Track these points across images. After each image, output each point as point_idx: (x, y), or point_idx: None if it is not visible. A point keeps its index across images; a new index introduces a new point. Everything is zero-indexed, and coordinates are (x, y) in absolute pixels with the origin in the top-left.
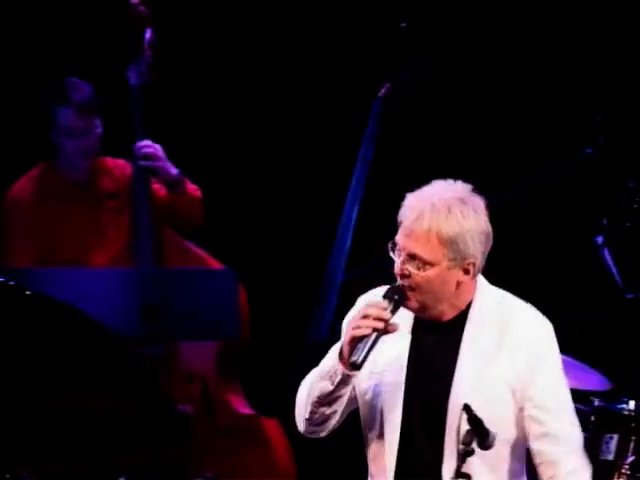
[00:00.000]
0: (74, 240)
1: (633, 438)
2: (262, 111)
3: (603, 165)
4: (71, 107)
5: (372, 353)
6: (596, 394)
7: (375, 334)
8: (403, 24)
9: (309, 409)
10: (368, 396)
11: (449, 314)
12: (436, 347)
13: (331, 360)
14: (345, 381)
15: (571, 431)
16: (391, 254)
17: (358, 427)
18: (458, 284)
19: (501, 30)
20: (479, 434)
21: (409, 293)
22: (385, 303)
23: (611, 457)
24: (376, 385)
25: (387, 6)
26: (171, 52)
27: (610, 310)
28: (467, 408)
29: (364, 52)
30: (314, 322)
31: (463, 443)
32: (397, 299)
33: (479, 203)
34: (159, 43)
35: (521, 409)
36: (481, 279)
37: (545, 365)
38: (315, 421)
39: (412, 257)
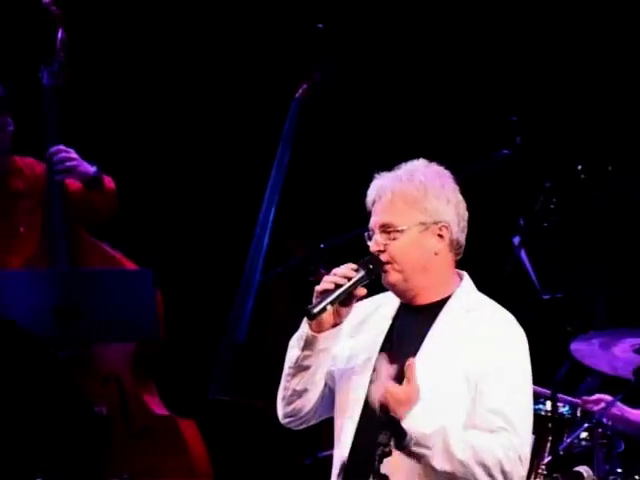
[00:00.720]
0: None
1: (549, 438)
2: (180, 111)
3: (520, 166)
4: None
5: (332, 310)
6: None
7: (338, 291)
8: (319, 25)
9: (282, 385)
10: (342, 378)
11: (428, 296)
12: (409, 330)
13: (301, 326)
14: (310, 344)
15: (514, 438)
16: (368, 243)
17: (274, 429)
18: (436, 254)
19: (418, 30)
20: (396, 435)
21: (387, 267)
22: (355, 266)
23: None
24: (350, 368)
25: (304, 8)
26: (84, 52)
27: (527, 311)
28: (382, 409)
29: (280, 54)
30: (232, 322)
31: (380, 444)
32: (371, 268)
33: (443, 170)
34: (71, 43)
35: (473, 403)
36: (468, 279)
37: (506, 369)
38: (288, 400)
39: (383, 229)
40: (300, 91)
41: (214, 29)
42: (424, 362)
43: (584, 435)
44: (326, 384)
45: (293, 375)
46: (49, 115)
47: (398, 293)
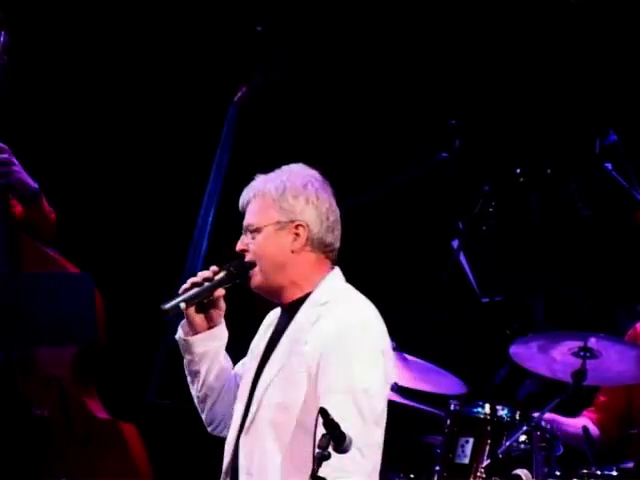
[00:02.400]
0: None
1: (488, 442)
2: (119, 115)
3: (458, 169)
4: None
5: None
6: (452, 397)
7: (192, 291)
8: (258, 28)
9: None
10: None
11: (291, 293)
12: (278, 328)
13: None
14: (186, 348)
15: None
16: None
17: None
18: (293, 252)
19: (356, 31)
20: (335, 438)
21: (253, 272)
22: (217, 269)
23: (466, 461)
24: (244, 375)
25: (243, 10)
26: (24, 55)
27: (466, 314)
28: (323, 412)
29: (219, 56)
30: (170, 325)
31: (319, 447)
32: (231, 270)
33: (316, 174)
34: (14, 46)
35: (316, 396)
36: (334, 274)
37: (339, 358)
38: (200, 408)
39: (247, 229)
40: (239, 94)
41: (154, 30)
42: (279, 357)
43: (523, 438)
44: (232, 390)
45: (191, 382)
46: None
47: (264, 294)
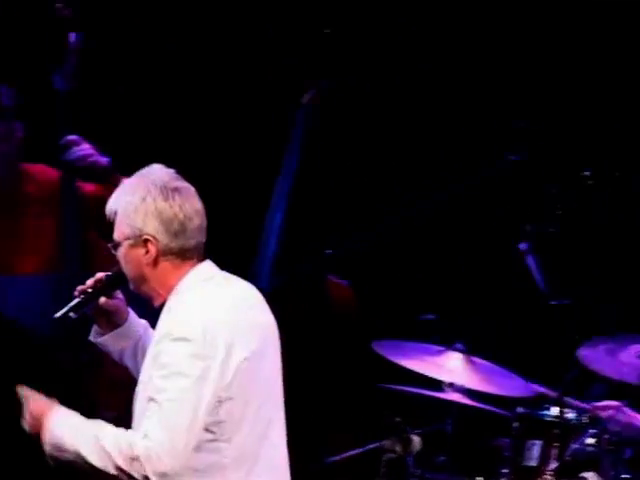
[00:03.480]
0: None
1: (556, 444)
2: (186, 118)
3: (526, 171)
4: None
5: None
6: (519, 401)
7: (78, 299)
8: (326, 30)
9: None
10: None
11: (157, 302)
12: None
13: None
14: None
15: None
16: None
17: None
18: (147, 265)
19: (425, 33)
20: (402, 441)
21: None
22: (104, 276)
23: (534, 463)
24: None
25: (310, 12)
26: (97, 56)
27: (534, 317)
28: (390, 417)
29: (288, 59)
30: None
31: (387, 450)
32: (111, 277)
33: (148, 180)
34: (85, 47)
35: None
36: (192, 272)
37: (158, 362)
38: None
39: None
40: (308, 96)
41: (224, 36)
42: (147, 363)
43: (591, 441)
44: None
45: None
46: (62, 119)
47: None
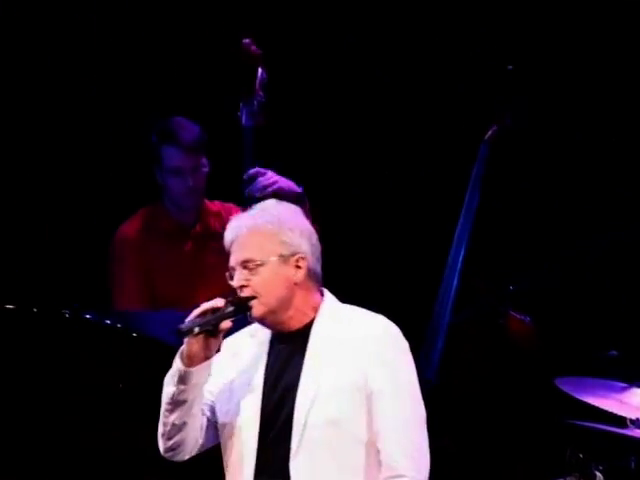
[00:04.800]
0: (180, 279)
1: None
2: (369, 156)
3: None
4: (178, 146)
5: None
6: None
7: (206, 318)
8: (509, 67)
9: (161, 422)
10: (228, 410)
11: (297, 322)
12: (288, 357)
13: (174, 363)
14: (183, 379)
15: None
16: (230, 283)
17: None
18: (296, 284)
19: (607, 73)
20: (585, 477)
21: (253, 303)
22: (224, 301)
23: None
24: (235, 399)
25: (494, 49)
26: (283, 92)
27: None
28: (573, 453)
29: (470, 95)
30: (421, 365)
31: None
32: (236, 303)
33: (293, 206)
34: (271, 83)
35: (369, 407)
36: (329, 295)
37: (384, 361)
38: (168, 435)
39: (244, 265)
40: (490, 133)
41: (407, 72)
42: (313, 378)
43: None
44: (204, 415)
45: (171, 411)
46: (247, 155)
47: (267, 325)
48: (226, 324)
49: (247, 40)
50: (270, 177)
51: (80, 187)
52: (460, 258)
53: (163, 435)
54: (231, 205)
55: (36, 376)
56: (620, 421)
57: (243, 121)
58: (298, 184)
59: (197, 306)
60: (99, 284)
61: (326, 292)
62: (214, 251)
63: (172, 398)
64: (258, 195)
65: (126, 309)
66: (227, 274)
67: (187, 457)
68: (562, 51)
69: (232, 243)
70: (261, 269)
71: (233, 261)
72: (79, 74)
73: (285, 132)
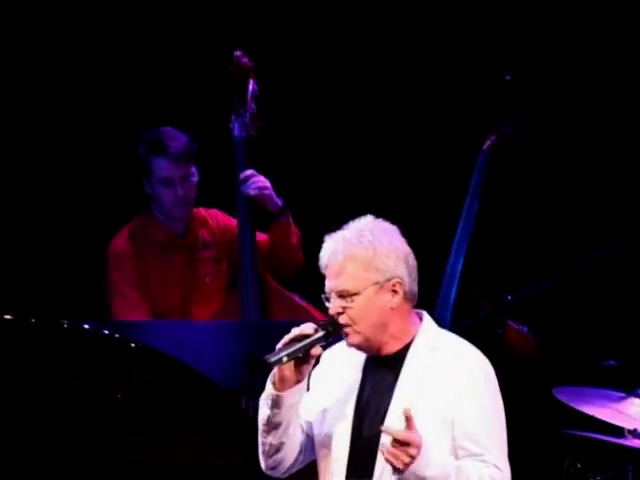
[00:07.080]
0: (173, 290)
1: None
2: (368, 164)
3: None
4: (167, 156)
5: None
6: None
7: (295, 346)
8: (507, 77)
9: (260, 441)
10: (322, 430)
11: (392, 347)
12: (380, 381)
13: (266, 385)
14: (277, 403)
15: (499, 463)
16: (326, 304)
17: None
18: (392, 309)
19: (610, 82)
20: None
21: (348, 330)
22: (315, 326)
23: None
24: (329, 419)
25: (492, 59)
26: (275, 103)
27: None
28: (571, 463)
29: (468, 105)
30: None
31: None
32: (330, 330)
33: (390, 226)
34: (263, 95)
35: (453, 438)
36: (428, 318)
37: (475, 396)
38: (268, 454)
39: (340, 294)
40: (488, 143)
41: (404, 83)
42: (397, 413)
43: None
44: (303, 431)
45: (267, 432)
46: (239, 166)
47: (363, 350)
48: (316, 350)
49: (239, 52)
50: (265, 181)
51: (72, 197)
52: (458, 267)
53: (263, 453)
54: (215, 211)
55: (34, 387)
56: (618, 431)
57: (235, 132)
58: (288, 195)
59: (191, 316)
60: (94, 294)
61: (425, 316)
62: (205, 261)
63: (267, 420)
64: (253, 194)
65: (131, 320)
66: (323, 296)
67: (288, 474)
68: (560, 61)
69: (327, 267)
70: (356, 298)
71: (328, 287)
72: (70, 85)
73: (278, 142)
